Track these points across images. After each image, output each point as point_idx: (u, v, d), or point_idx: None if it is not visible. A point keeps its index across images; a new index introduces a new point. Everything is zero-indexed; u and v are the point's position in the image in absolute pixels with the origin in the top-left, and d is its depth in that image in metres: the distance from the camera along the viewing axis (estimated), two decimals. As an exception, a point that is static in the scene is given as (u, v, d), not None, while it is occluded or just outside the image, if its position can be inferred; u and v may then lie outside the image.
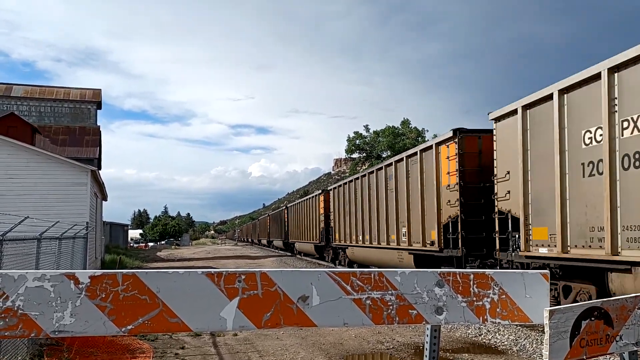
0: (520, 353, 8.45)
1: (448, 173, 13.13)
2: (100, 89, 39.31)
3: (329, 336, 9.76)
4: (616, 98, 8.06)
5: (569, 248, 9.07)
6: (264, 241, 61.52)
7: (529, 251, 10.08)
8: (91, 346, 8.32)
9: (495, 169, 11.41)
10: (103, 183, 28.39)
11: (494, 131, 11.41)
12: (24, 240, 8.57)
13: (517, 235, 10.58)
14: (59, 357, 7.65)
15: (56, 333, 3.53)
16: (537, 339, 9.09)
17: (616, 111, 8.06)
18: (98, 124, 37.62)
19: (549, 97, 9.49)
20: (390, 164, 17.33)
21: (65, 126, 35.84)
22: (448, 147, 13.21)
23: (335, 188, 25.60)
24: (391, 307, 4.02)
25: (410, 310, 4.03)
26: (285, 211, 42.26)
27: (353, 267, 20.77)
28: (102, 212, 34.01)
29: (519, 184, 10.34)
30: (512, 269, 10.85)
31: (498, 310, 4.11)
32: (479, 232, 12.52)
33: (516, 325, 10.20)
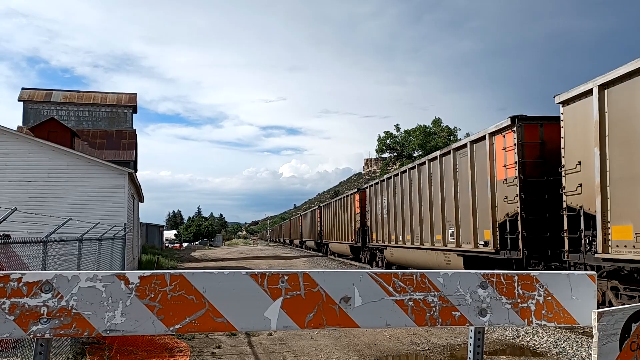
0: (560, 356, 8.28)
1: (505, 166, 11.93)
2: (135, 94, 40.20)
3: (363, 337, 9.75)
4: None
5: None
6: (296, 241, 61.63)
7: (608, 253, 8.75)
8: (131, 344, 8.49)
9: (562, 159, 10.14)
10: (139, 185, 28.99)
11: (562, 116, 10.14)
12: (66, 242, 8.84)
13: (591, 235, 9.35)
14: (101, 355, 7.84)
15: (108, 332, 3.64)
16: (577, 342, 8.90)
17: None
18: (134, 127, 38.48)
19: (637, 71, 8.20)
20: (435, 159, 16.00)
21: (103, 130, 36.80)
22: (504, 136, 11.97)
23: (371, 186, 24.37)
24: (434, 308, 4.01)
25: (453, 312, 4.01)
26: (319, 211, 41.60)
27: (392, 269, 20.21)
28: (139, 213, 34.74)
29: (594, 174, 9.06)
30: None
31: (543, 312, 4.05)
32: (542, 232, 11.24)
33: (556, 327, 10.00)
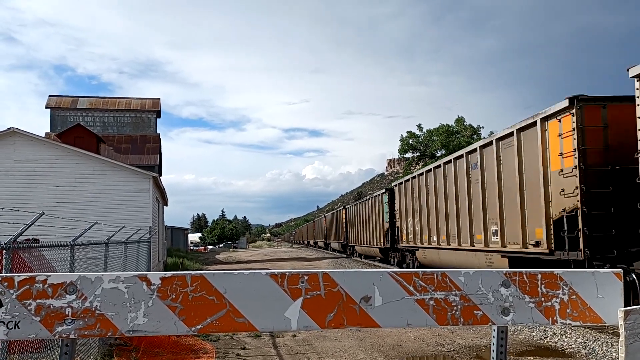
0: (590, 356, 8.11)
1: (561, 154, 10.57)
2: (159, 98, 40.75)
3: (387, 338, 9.70)
4: None
5: None
6: (321, 243, 61.57)
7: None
8: (157, 346, 8.60)
9: (639, 142, 8.93)
10: (164, 188, 29.37)
11: (637, 92, 8.88)
12: (93, 245, 9.01)
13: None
14: (128, 356, 7.95)
15: (131, 332, 3.70)
16: (607, 342, 8.70)
17: None
18: (158, 132, 38.99)
19: None
20: (474, 151, 14.66)
21: (127, 135, 37.37)
22: (560, 121, 10.60)
23: (401, 183, 22.95)
24: (455, 307, 3.97)
25: (475, 311, 3.97)
26: (344, 212, 41.01)
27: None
28: (164, 217, 35.18)
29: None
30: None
31: (568, 310, 3.97)
32: (606, 229, 9.88)
33: (584, 327, 9.79)
